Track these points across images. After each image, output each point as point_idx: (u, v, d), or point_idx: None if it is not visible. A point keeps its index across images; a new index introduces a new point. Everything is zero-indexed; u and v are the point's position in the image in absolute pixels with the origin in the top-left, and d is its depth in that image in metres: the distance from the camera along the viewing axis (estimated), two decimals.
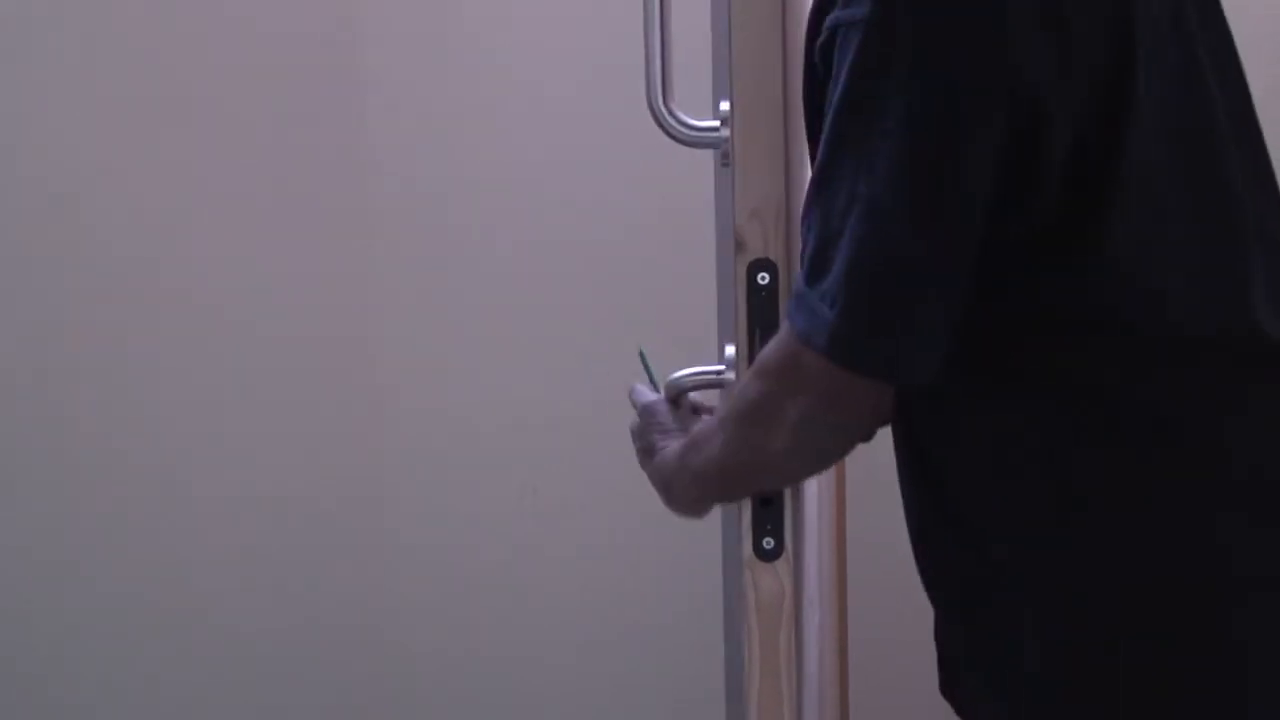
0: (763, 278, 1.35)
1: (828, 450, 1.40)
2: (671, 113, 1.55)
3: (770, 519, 1.36)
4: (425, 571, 2.63)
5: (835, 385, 1.29)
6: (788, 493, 1.37)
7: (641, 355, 1.59)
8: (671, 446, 1.50)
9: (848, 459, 2.02)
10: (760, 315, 1.36)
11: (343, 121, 2.58)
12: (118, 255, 2.53)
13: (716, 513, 2.45)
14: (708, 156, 2.11)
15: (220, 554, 2.57)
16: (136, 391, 2.55)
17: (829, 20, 1.28)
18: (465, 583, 2.63)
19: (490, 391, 2.59)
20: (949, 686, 1.45)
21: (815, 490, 1.67)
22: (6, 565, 2.54)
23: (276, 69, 2.54)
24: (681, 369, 1.55)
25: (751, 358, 1.37)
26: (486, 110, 2.57)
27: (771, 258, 1.34)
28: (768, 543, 1.37)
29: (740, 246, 1.34)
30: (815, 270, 1.28)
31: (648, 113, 1.62)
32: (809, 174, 1.51)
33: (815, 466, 1.44)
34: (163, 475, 2.55)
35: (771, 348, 1.35)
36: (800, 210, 1.43)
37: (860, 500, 2.27)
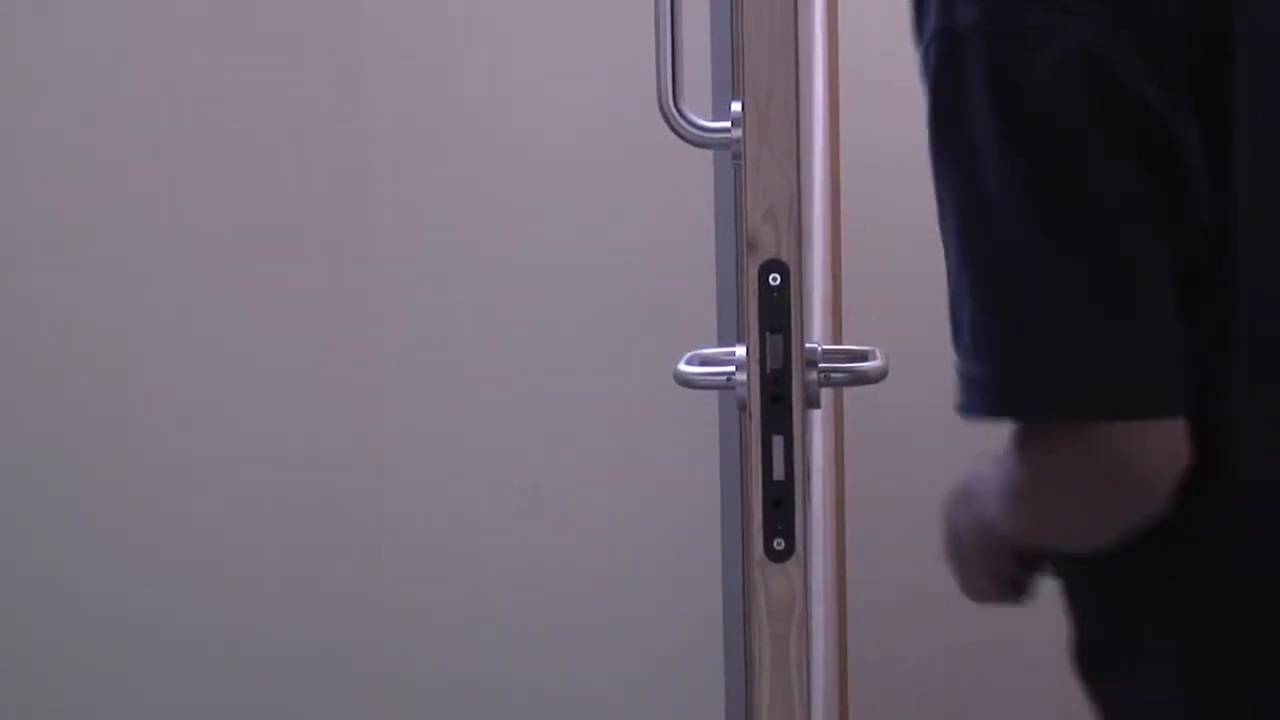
0: (774, 279, 1.34)
1: (1144, 514, 1.22)
2: (682, 114, 1.54)
3: (781, 520, 1.35)
4: (424, 571, 2.63)
5: (1059, 448, 1.18)
6: (799, 493, 1.36)
7: None
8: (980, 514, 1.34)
9: (847, 458, 2.01)
10: (771, 317, 1.35)
11: (342, 116, 2.57)
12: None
13: (716, 513, 2.45)
14: (708, 158, 2.10)
15: (219, 553, 2.56)
16: (136, 391, 2.55)
17: (921, 42, 1.23)
18: (465, 582, 2.62)
19: (490, 390, 2.59)
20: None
21: (818, 490, 1.66)
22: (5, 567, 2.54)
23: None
24: (691, 368, 1.54)
25: (762, 360, 1.36)
26: (487, 108, 2.56)
27: (783, 259, 1.33)
28: (778, 544, 1.36)
29: (752, 247, 1.33)
30: (958, 335, 1.21)
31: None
32: (818, 173, 1.50)
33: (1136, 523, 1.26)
34: (163, 477, 2.55)
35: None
36: (811, 210, 1.43)
37: (860, 500, 2.27)
